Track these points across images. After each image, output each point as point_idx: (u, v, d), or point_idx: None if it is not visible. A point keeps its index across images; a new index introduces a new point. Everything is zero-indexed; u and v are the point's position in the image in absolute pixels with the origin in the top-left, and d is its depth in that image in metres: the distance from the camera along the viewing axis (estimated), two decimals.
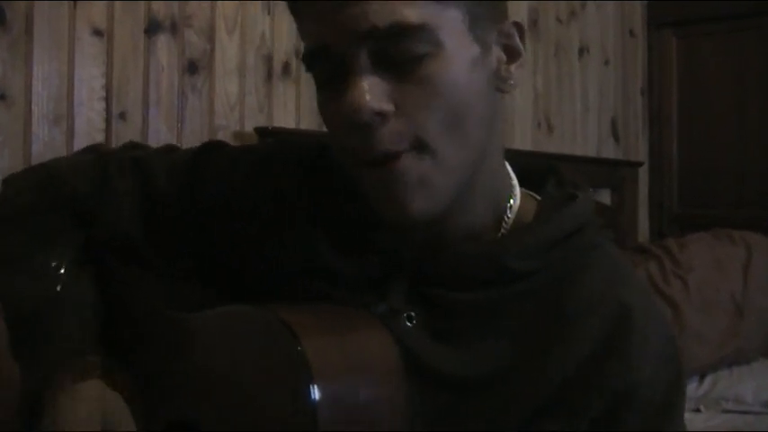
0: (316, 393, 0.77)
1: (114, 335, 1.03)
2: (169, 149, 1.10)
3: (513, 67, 0.87)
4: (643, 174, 3.78)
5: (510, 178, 0.93)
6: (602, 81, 3.60)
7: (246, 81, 2.17)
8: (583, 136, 3.49)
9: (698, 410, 2.55)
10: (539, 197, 0.94)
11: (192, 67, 2.06)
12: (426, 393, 0.85)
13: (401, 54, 0.78)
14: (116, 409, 0.95)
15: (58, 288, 1.01)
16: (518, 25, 0.88)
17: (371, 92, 0.77)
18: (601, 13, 3.60)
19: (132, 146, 1.13)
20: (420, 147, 0.80)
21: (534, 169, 0.97)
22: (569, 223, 0.89)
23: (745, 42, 3.64)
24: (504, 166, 0.93)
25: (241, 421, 0.85)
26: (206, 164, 1.03)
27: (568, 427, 0.83)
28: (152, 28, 1.97)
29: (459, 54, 0.80)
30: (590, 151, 3.51)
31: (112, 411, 0.94)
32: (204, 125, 2.08)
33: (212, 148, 1.06)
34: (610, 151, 3.63)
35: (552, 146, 3.30)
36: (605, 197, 3.49)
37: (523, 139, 3.17)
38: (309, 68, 0.84)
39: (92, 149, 1.13)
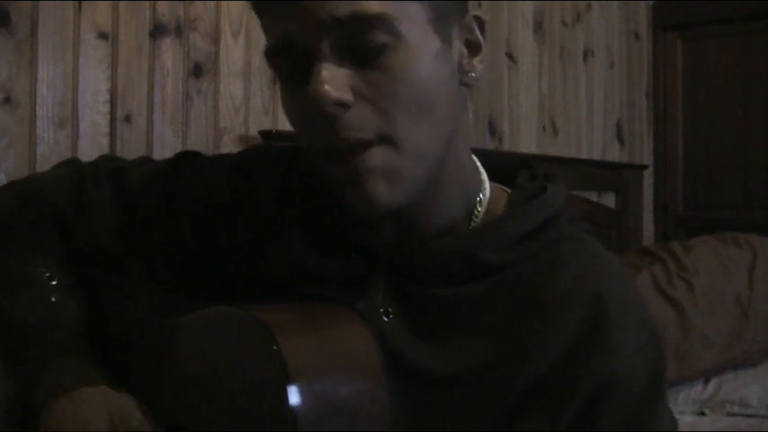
0: (293, 392, 0.77)
1: (100, 343, 1.03)
2: (144, 161, 1.11)
3: (475, 61, 0.88)
4: (648, 176, 3.78)
5: (479, 173, 0.94)
6: (607, 84, 3.60)
7: (251, 84, 2.17)
8: (588, 139, 3.49)
9: (702, 413, 2.54)
10: (510, 191, 0.94)
11: (197, 70, 2.06)
12: (405, 389, 0.85)
13: (362, 44, 0.79)
14: (127, 411, 0.95)
15: (53, 299, 1.01)
16: (479, 19, 0.89)
17: (331, 82, 0.78)
18: (606, 15, 3.59)
19: (108, 158, 1.14)
20: (385, 137, 0.81)
21: (507, 164, 0.98)
22: (540, 214, 0.89)
23: (751, 45, 3.64)
24: (473, 161, 0.94)
25: (226, 423, 0.85)
26: (183, 172, 1.04)
27: (549, 421, 0.83)
28: (157, 31, 1.97)
29: (420, 47, 0.81)
30: (595, 154, 3.51)
31: (123, 414, 0.94)
32: (209, 128, 2.08)
33: (188, 157, 1.07)
34: (615, 154, 3.63)
35: (557, 149, 3.30)
36: (610, 200, 3.49)
37: (528, 142, 3.17)
38: (273, 63, 0.84)
39: (68, 163, 1.15)
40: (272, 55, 0.84)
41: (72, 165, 1.12)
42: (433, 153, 0.84)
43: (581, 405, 0.82)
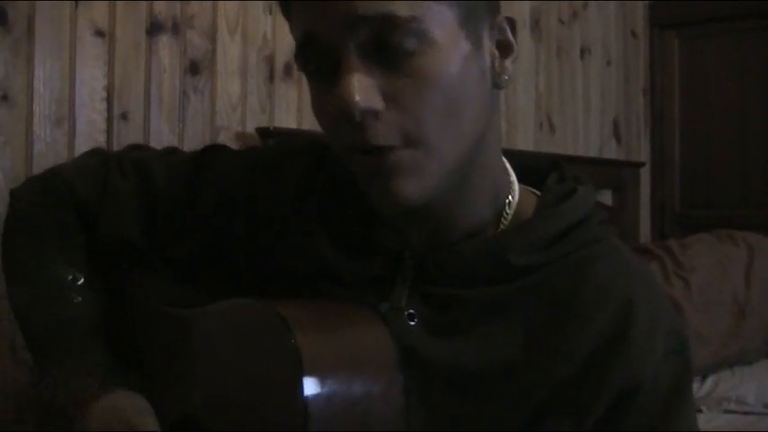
0: (307, 388, 0.77)
1: (117, 334, 1.03)
2: (171, 151, 1.11)
3: (507, 62, 0.87)
4: (645, 174, 3.78)
5: (509, 175, 0.93)
6: (603, 81, 3.60)
7: (248, 82, 2.17)
8: (585, 136, 3.49)
9: (699, 411, 2.54)
10: (539, 193, 0.93)
11: (193, 68, 2.06)
12: (428, 390, 0.85)
13: (391, 48, 0.77)
14: (143, 417, 0.95)
15: (79, 299, 1.01)
16: (510, 20, 0.88)
17: (361, 89, 0.77)
18: (603, 13, 3.59)
19: (135, 147, 1.14)
20: (413, 140, 0.79)
21: (536, 166, 0.97)
22: (570, 217, 0.89)
23: (747, 43, 3.64)
24: (503, 163, 0.93)
25: (238, 415, 0.85)
26: (208, 164, 1.03)
27: (574, 423, 0.83)
28: (154, 28, 1.97)
29: (450, 50, 0.80)
30: (592, 152, 3.51)
31: (138, 421, 0.94)
32: (206, 126, 2.08)
33: (214, 150, 1.06)
34: (612, 152, 3.63)
35: (554, 146, 3.29)
36: (607, 198, 3.48)
37: (525, 140, 3.17)
38: (299, 60, 0.83)
39: (94, 153, 1.14)
40: (298, 53, 0.82)
41: (98, 155, 1.12)
42: (461, 155, 0.83)
43: (606, 408, 0.82)
